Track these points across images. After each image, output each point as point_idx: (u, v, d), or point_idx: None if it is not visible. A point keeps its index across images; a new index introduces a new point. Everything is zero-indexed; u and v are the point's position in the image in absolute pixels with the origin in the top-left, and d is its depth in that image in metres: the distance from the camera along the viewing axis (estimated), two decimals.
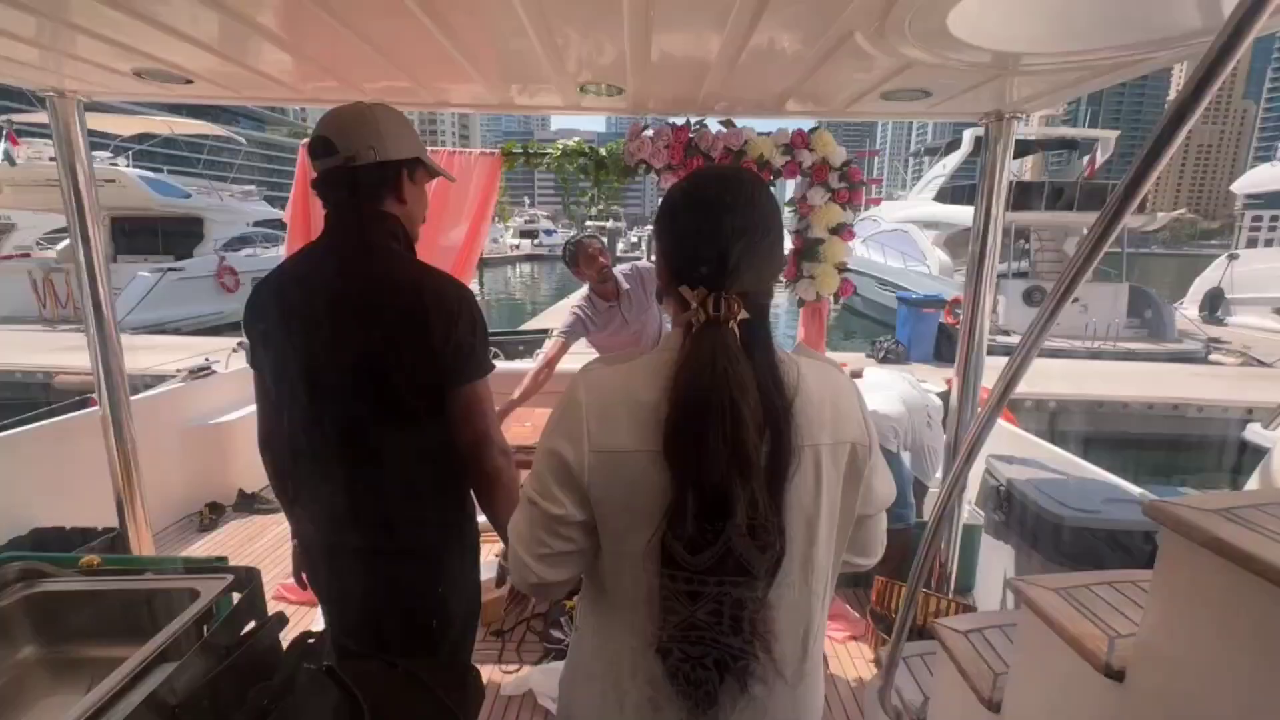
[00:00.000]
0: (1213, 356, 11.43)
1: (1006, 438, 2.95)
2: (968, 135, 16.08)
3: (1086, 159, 15.47)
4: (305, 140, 2.56)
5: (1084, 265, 0.86)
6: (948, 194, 16.26)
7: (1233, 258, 16.45)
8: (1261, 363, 10.89)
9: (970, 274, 2.26)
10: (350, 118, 1.19)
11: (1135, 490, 2.22)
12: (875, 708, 1.68)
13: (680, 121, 2.30)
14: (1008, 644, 1.34)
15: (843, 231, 2.38)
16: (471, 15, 1.46)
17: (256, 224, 16.80)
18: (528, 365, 2.81)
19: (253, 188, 19.24)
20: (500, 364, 1.85)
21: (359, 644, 1.25)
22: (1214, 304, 15.79)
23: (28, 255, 12.98)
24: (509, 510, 1.21)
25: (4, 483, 2.68)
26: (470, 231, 2.43)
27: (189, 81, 2.03)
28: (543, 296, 25.40)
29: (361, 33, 1.58)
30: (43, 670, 1.19)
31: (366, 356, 1.11)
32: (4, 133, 12.75)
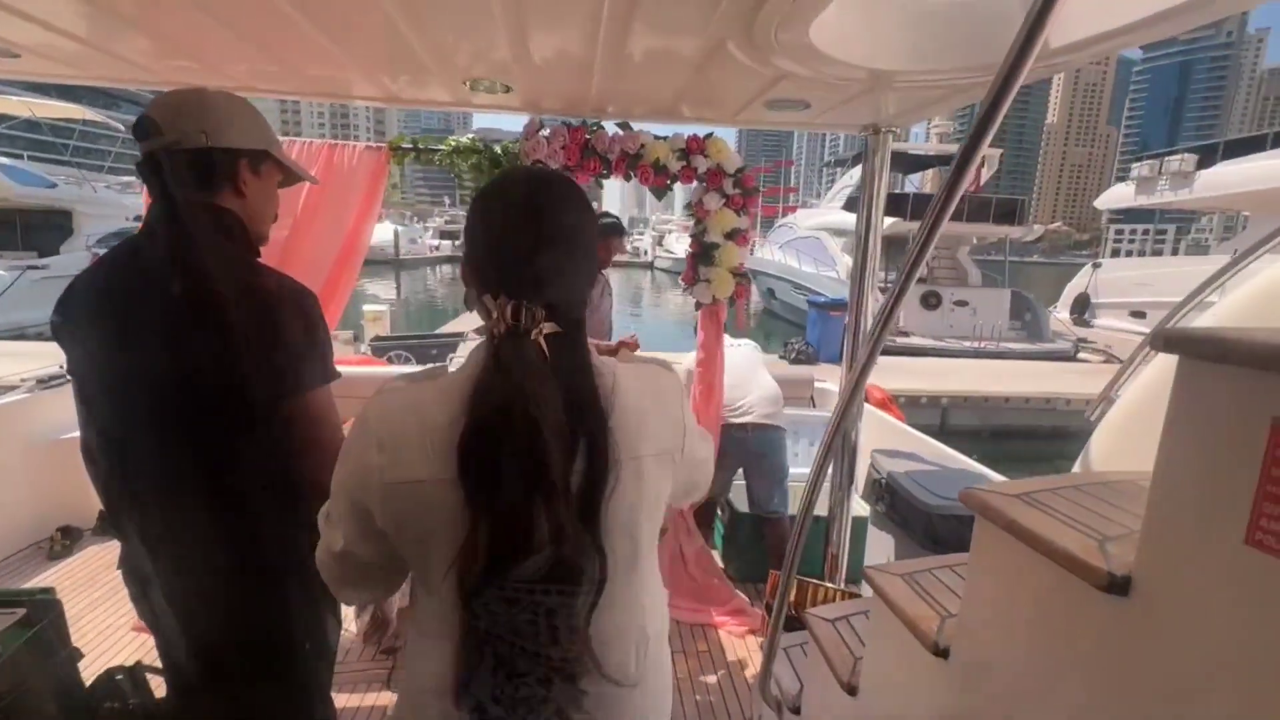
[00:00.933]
0: (1081, 355, 12.72)
1: (891, 432, 3.14)
2: None
3: (971, 173, 16.88)
4: None
5: (910, 272, 0.92)
6: (855, 202, 17.24)
7: (1096, 266, 18.37)
8: (1121, 360, 12.23)
9: (854, 277, 2.38)
10: (184, 100, 1.09)
11: (999, 478, 2.42)
12: (759, 697, 1.73)
13: (576, 123, 2.28)
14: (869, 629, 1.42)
15: (737, 236, 2.44)
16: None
17: (139, 218, 15.30)
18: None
19: (134, 179, 17.51)
20: (413, 369, 1.76)
21: (198, 677, 1.13)
22: (1082, 308, 17.55)
23: None
24: None
25: None
26: (353, 229, 2.30)
27: (16, 56, 1.82)
28: (463, 299, 24.60)
29: (216, 11, 1.45)
30: None
31: (188, 364, 1.01)
32: None
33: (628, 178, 2.36)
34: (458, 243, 47.75)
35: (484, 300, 0.72)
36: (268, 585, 1.11)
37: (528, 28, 1.50)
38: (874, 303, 2.42)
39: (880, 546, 2.51)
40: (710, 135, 2.39)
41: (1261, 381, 0.53)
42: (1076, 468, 1.48)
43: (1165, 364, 1.40)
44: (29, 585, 2.85)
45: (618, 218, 3.08)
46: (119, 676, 0.96)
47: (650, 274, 45.89)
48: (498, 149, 2.36)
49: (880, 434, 3.17)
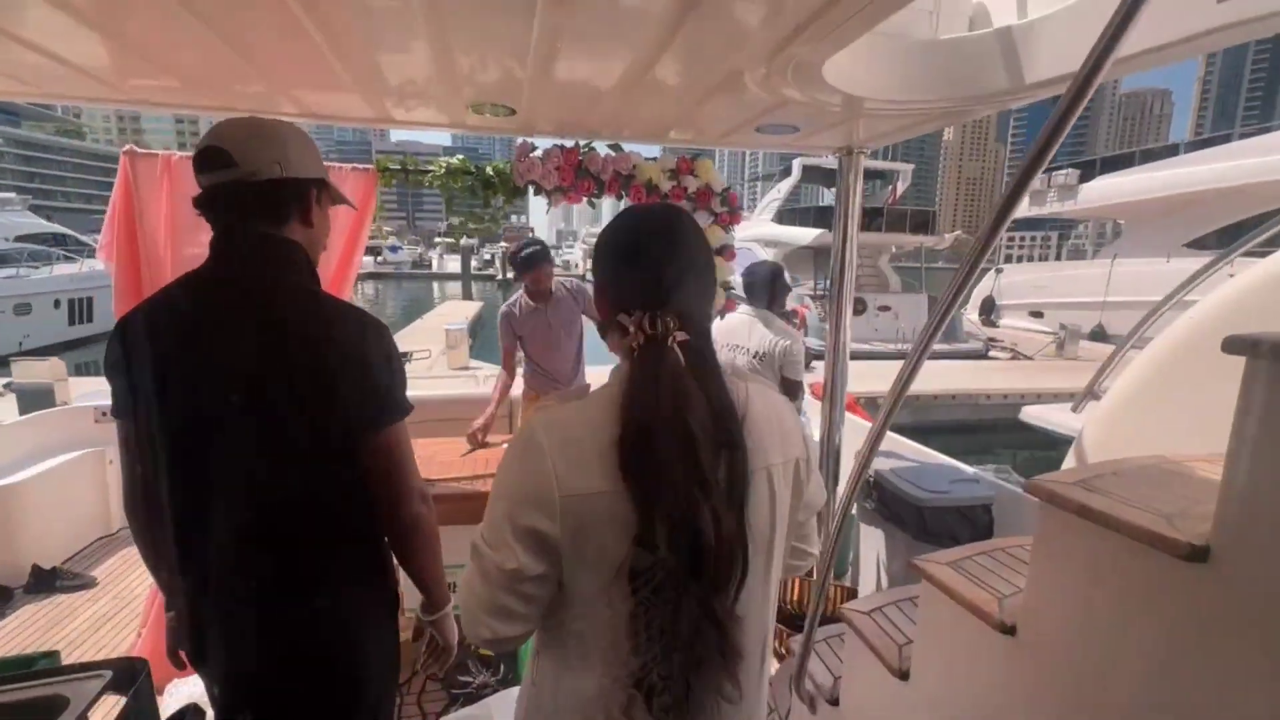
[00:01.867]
0: (991, 353, 13.81)
1: (862, 432, 3.33)
2: (796, 164, 18.01)
3: (889, 187, 18.12)
4: (127, 148, 2.18)
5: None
6: (784, 216, 18.11)
7: (998, 271, 20.07)
8: (1026, 356, 13.38)
9: (834, 289, 2.53)
10: (253, 129, 1.05)
11: (969, 470, 2.63)
12: (786, 693, 1.80)
13: (569, 144, 2.32)
14: (904, 618, 1.52)
15: (725, 252, 2.55)
16: (360, 21, 1.37)
17: (19, 239, 13.84)
18: None
19: (12, 195, 15.81)
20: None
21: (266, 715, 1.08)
22: (989, 309, 19.11)
23: None
24: (430, 561, 1.21)
25: None
26: (343, 253, 2.23)
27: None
28: (390, 316, 23.67)
29: (207, 19, 1.34)
30: None
31: (268, 401, 0.99)
32: None
33: (619, 197, 2.42)
34: (380, 259, 46.01)
35: (619, 320, 0.76)
36: (344, 622, 1.10)
37: (558, 55, 1.53)
38: (848, 313, 2.58)
39: (870, 542, 2.66)
40: (698, 156, 2.49)
41: None
42: (1070, 458, 1.65)
43: (1146, 364, 1.60)
44: None
45: (543, 243, 2.91)
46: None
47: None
48: (489, 169, 2.36)
49: (857, 436, 3.36)
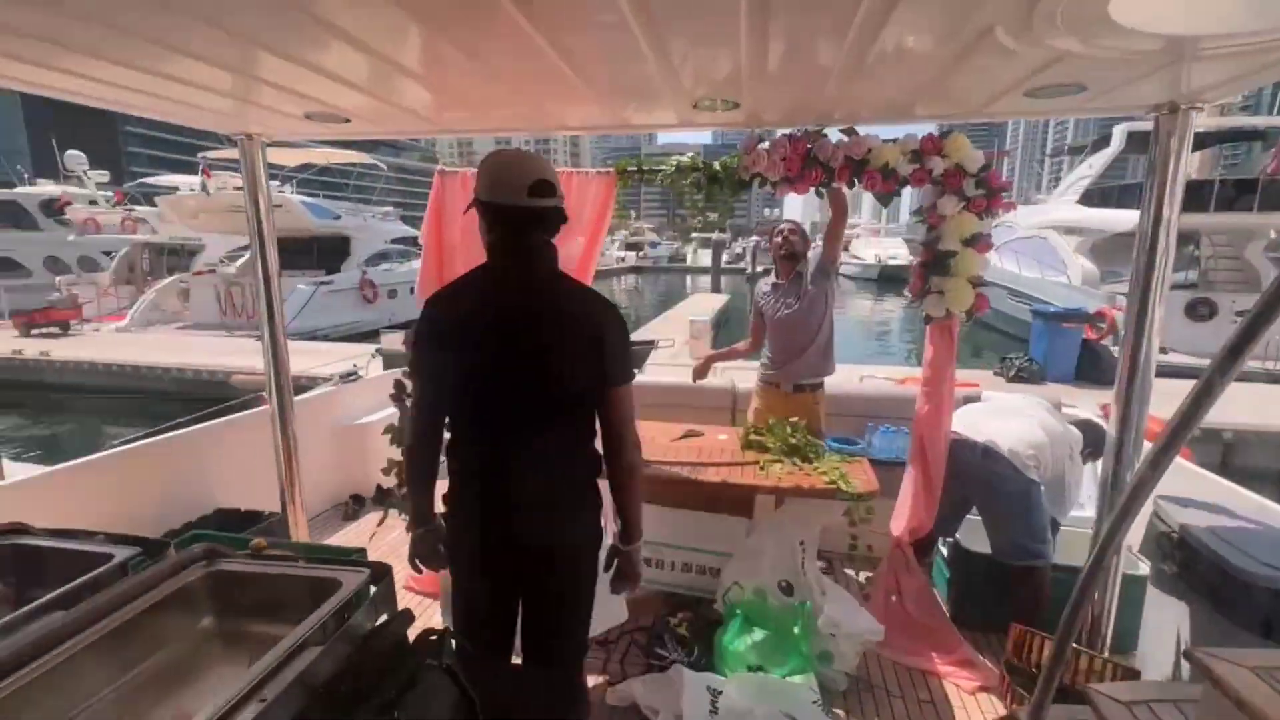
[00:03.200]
0: None
1: (1180, 475, 2.56)
2: (1119, 130, 14.33)
3: (1272, 152, 13.21)
4: (440, 167, 2.78)
5: None
6: (1095, 196, 14.57)
7: None
8: None
9: (1135, 286, 1.99)
10: (546, 165, 1.44)
11: None
12: None
13: (797, 132, 2.23)
14: None
15: (979, 243, 2.18)
16: (589, 39, 1.51)
17: (393, 241, 18.51)
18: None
19: (390, 209, 21.22)
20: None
21: (529, 546, 1.46)
22: None
23: (214, 271, 15.15)
24: (635, 499, 1.54)
25: (196, 468, 3.14)
26: (586, 248, 2.51)
27: (348, 120, 2.27)
28: (647, 306, 25.72)
29: (490, 66, 1.67)
30: (217, 639, 1.35)
31: (560, 355, 1.39)
32: (200, 168, 15.09)
33: (851, 185, 2.25)
34: (641, 254, 50.16)
35: None
36: (587, 529, 1.53)
37: (769, 39, 1.49)
38: (1157, 316, 1.99)
39: (1164, 617, 2.05)
40: (950, 133, 2.18)
41: None
42: None
43: None
44: (332, 542, 3.56)
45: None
46: (433, 637, 1.13)
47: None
48: (715, 165, 2.40)
49: (1166, 475, 2.59)
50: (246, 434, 3.34)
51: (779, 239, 2.96)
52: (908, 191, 2.29)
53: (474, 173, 2.62)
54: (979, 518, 2.55)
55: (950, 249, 2.20)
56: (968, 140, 2.17)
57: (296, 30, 1.41)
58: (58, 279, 16.57)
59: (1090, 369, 8.97)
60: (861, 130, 2.23)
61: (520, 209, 1.38)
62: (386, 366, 6.28)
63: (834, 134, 2.24)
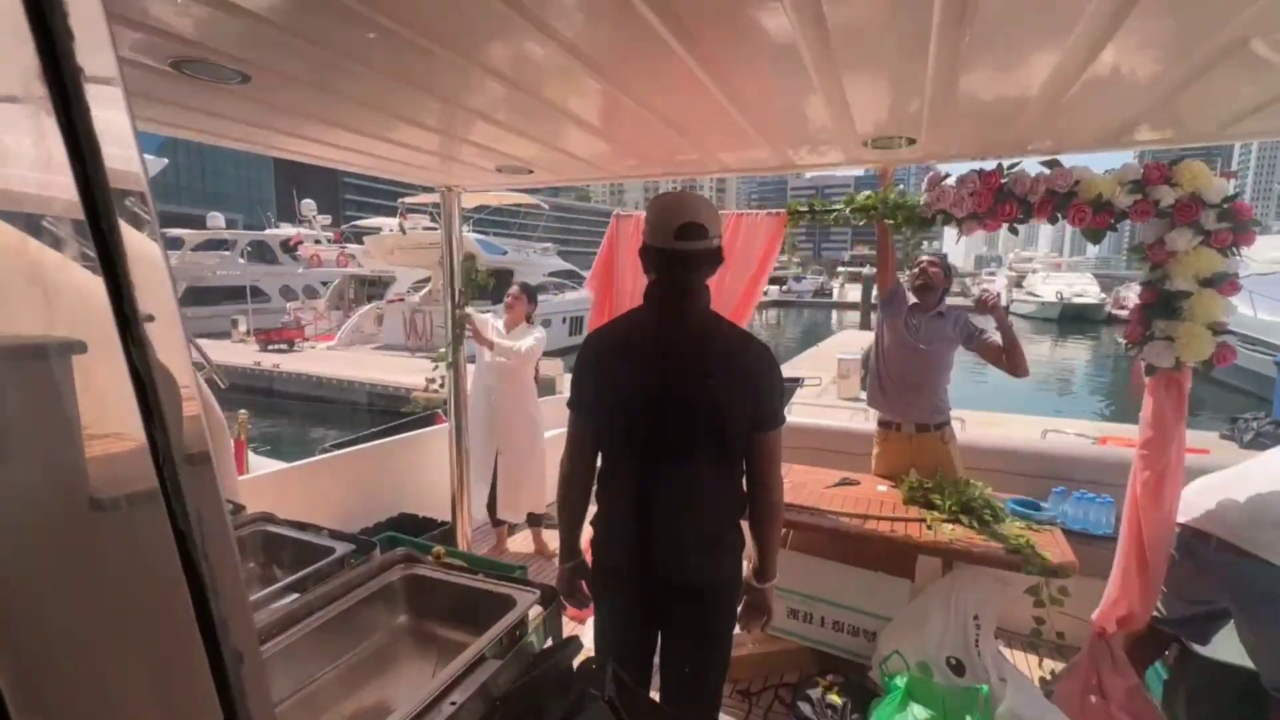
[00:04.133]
0: None
1: None
2: None
3: None
4: (618, 211, 2.98)
5: None
6: None
7: None
8: None
9: None
10: (706, 205, 1.44)
11: None
12: None
13: (989, 165, 2.08)
14: None
15: (1222, 283, 1.83)
16: (760, 83, 1.53)
17: (550, 274, 20.00)
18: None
19: (549, 245, 23.01)
20: None
21: (673, 581, 1.49)
22: None
23: (403, 299, 17.37)
24: (775, 538, 1.56)
25: (384, 475, 3.61)
26: (749, 286, 2.54)
27: (530, 172, 2.52)
28: (789, 341, 25.05)
29: (661, 114, 1.75)
30: (409, 636, 1.51)
31: (710, 395, 1.40)
32: (399, 212, 17.53)
33: (1052, 220, 2.02)
34: (785, 288, 49.08)
35: None
36: (731, 563, 1.54)
37: (959, 74, 1.41)
38: None
39: None
40: (1181, 160, 1.89)
41: None
42: None
43: None
44: (489, 554, 3.85)
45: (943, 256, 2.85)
46: (595, 666, 1.17)
47: None
48: (894, 200, 2.31)
49: None
50: (427, 447, 3.77)
51: (916, 269, 2.80)
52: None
53: (642, 215, 2.78)
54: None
55: (1183, 289, 1.88)
56: (1205, 167, 1.87)
57: (490, 92, 1.58)
58: (288, 304, 20.12)
59: None
60: (1069, 161, 2.02)
61: (669, 251, 1.42)
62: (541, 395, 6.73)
63: (1031, 165, 2.05)
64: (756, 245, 2.49)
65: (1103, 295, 32.89)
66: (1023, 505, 2.43)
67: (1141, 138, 1.87)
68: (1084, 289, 33.78)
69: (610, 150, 2.27)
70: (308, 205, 25.72)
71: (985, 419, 7.33)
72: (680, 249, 1.40)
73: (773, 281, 50.40)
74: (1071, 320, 30.37)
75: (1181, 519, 2.03)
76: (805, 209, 2.42)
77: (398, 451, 3.72)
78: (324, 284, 22.71)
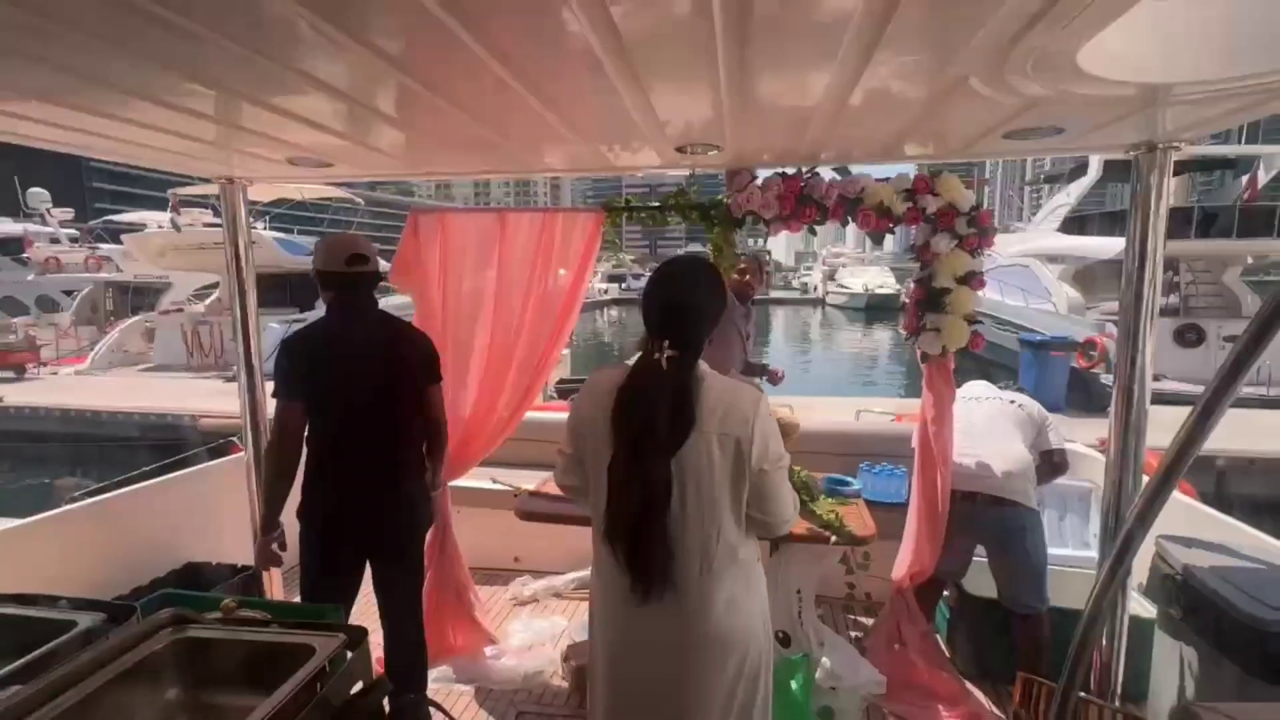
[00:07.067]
0: None
1: (1181, 513, 2.52)
2: (1095, 160, 14.74)
3: (1245, 179, 13.60)
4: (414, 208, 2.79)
5: None
6: (1074, 224, 14.90)
7: None
8: None
9: (1126, 318, 1.98)
10: (363, 241, 2.02)
11: None
12: None
13: (790, 170, 2.26)
14: None
15: (972, 280, 2.21)
16: (569, 87, 1.51)
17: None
18: None
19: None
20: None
21: (375, 538, 2.04)
22: None
23: (180, 310, 14.54)
24: (442, 459, 2.22)
25: (162, 520, 2.95)
26: (572, 284, 2.51)
27: (330, 165, 2.27)
28: (631, 339, 25.72)
29: (467, 108, 1.66)
30: (182, 713, 1.27)
31: (391, 371, 2.00)
32: (170, 204, 14.58)
33: (844, 223, 2.27)
34: (624, 286, 49.96)
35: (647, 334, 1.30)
36: (416, 494, 2.11)
37: (747, 89, 1.50)
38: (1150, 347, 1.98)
39: (1172, 663, 1.99)
40: (941, 173, 2.21)
41: None
42: None
43: None
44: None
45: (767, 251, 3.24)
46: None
47: (820, 311, 42.74)
48: (709, 202, 2.42)
49: (1165, 514, 2.54)
50: (218, 482, 3.20)
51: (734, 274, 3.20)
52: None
53: (447, 213, 2.64)
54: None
55: (944, 286, 2.22)
56: (959, 180, 2.21)
57: (274, 80, 1.40)
58: (13, 320, 15.86)
59: (1079, 397, 9.02)
60: (854, 170, 2.27)
61: (342, 274, 1.96)
62: None
63: (826, 173, 2.27)
64: (575, 241, 2.48)
65: (899, 287, 37.97)
66: (835, 482, 2.68)
67: (911, 152, 2.16)
68: (884, 281, 38.80)
69: (418, 146, 2.11)
70: (37, 195, 20.03)
71: (807, 404, 8.11)
72: (351, 272, 1.95)
73: (612, 279, 51.19)
74: (876, 309, 34.70)
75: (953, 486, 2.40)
76: (622, 205, 2.46)
77: (179, 491, 3.08)
78: (67, 294, 18.19)
